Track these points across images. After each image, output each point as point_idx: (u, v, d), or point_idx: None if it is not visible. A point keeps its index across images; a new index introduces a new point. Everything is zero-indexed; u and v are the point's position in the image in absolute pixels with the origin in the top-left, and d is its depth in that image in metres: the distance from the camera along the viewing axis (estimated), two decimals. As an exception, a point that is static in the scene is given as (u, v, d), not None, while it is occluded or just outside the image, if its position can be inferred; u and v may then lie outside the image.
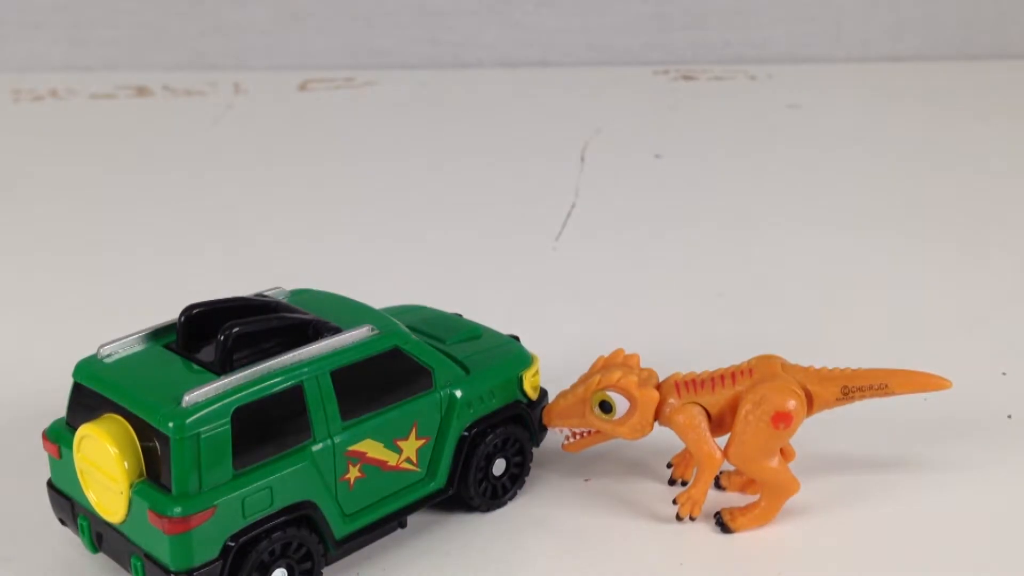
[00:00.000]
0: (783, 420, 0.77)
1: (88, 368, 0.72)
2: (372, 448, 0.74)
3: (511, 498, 0.82)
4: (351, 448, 0.72)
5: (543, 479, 0.85)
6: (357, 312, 0.78)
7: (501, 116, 1.79)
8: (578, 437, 0.82)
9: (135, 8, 2.03)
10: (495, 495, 0.81)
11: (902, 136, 1.65)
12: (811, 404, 0.79)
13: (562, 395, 0.82)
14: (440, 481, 0.78)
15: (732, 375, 0.80)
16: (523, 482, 0.83)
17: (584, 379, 0.81)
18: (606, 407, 0.80)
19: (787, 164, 1.54)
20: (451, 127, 1.74)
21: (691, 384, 0.80)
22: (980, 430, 0.90)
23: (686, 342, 1.04)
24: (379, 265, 1.23)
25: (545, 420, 0.82)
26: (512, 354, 0.83)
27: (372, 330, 0.74)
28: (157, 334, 0.75)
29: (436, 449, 0.78)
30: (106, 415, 0.70)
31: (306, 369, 0.71)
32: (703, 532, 0.79)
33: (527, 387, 0.83)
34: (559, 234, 1.31)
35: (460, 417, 0.78)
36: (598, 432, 0.82)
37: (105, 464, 0.68)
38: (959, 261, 1.22)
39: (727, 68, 1.99)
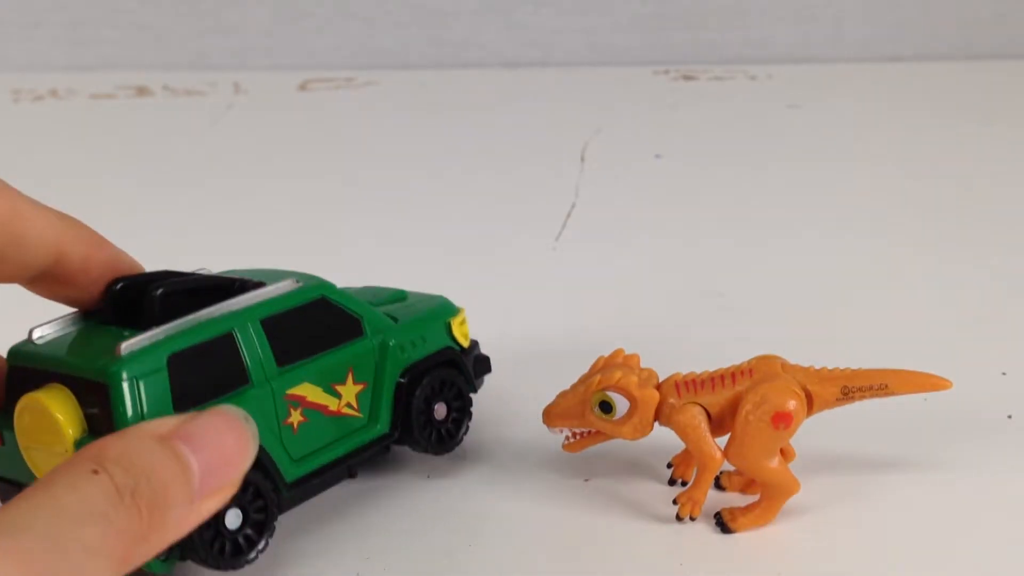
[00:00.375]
0: (783, 420, 0.76)
1: (21, 350, 0.73)
2: (311, 392, 0.76)
3: (458, 443, 0.84)
4: (290, 392, 0.74)
5: (543, 479, 0.85)
6: (281, 274, 0.80)
7: (501, 116, 1.79)
8: (578, 437, 0.82)
9: (135, 8, 2.04)
10: (441, 439, 0.83)
11: (902, 136, 1.65)
12: (811, 404, 0.79)
13: (562, 395, 0.81)
14: (384, 426, 0.80)
15: (732, 375, 0.79)
16: (467, 427, 0.85)
17: (584, 379, 0.81)
18: (606, 407, 0.80)
19: (787, 164, 1.54)
20: (451, 127, 1.75)
21: (691, 384, 0.80)
22: (980, 430, 0.90)
23: (686, 342, 1.03)
24: (379, 264, 1.23)
25: (545, 420, 0.82)
26: (438, 305, 0.87)
27: (296, 282, 0.77)
28: (88, 313, 0.76)
29: (375, 394, 0.80)
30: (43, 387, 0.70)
31: (235, 318, 0.72)
32: (703, 532, 0.79)
33: (456, 334, 0.85)
34: (559, 234, 1.31)
35: (394, 363, 0.81)
36: (598, 432, 0.82)
37: (47, 430, 0.68)
38: (959, 261, 1.22)
39: (727, 68, 1.99)
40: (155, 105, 1.87)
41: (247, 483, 0.71)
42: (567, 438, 0.83)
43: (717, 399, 0.79)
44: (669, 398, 0.80)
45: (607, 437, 0.82)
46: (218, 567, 0.69)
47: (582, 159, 1.56)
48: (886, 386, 0.80)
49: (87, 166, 1.59)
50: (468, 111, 1.82)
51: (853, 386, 0.80)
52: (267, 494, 0.72)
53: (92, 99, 1.89)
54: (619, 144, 1.64)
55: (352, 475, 0.79)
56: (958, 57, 2.01)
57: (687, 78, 1.95)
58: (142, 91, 1.93)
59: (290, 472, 0.74)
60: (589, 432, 0.82)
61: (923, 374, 0.80)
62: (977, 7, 2.01)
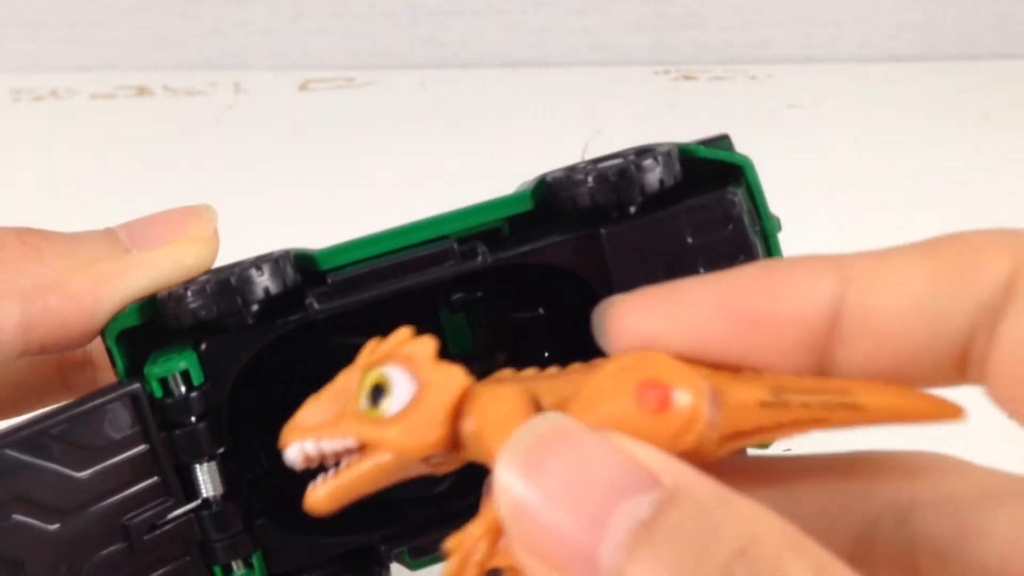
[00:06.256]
0: (653, 392, 0.46)
1: None
2: None
3: None
4: None
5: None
6: None
7: (501, 116, 1.79)
8: (331, 474, 0.49)
9: (135, 8, 2.03)
10: None
11: (902, 136, 1.65)
12: (722, 409, 0.48)
13: (314, 397, 0.51)
14: None
15: (595, 365, 0.49)
16: None
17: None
18: (377, 394, 0.48)
19: (787, 164, 1.54)
20: (451, 127, 1.74)
21: (532, 375, 0.50)
22: (980, 430, 0.89)
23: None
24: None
25: (283, 438, 0.50)
26: None
27: None
28: None
29: None
30: None
31: None
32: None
33: None
34: (559, 234, 1.31)
35: None
36: (360, 451, 0.48)
37: None
38: (959, 261, 1.22)
39: (727, 68, 1.99)
40: (155, 105, 1.87)
41: None
42: (313, 485, 0.49)
43: (561, 384, 0.48)
44: (484, 386, 0.49)
45: (374, 468, 0.47)
46: None
47: (582, 159, 1.56)
48: (855, 405, 0.47)
49: (87, 166, 1.59)
50: (468, 111, 1.82)
51: (792, 388, 0.47)
52: None
53: (92, 99, 1.89)
54: (619, 144, 1.63)
55: None
56: (958, 57, 2.01)
57: (687, 78, 1.95)
58: (142, 91, 1.93)
59: None
60: (344, 458, 0.48)
61: (919, 395, 0.49)
62: (977, 7, 2.00)
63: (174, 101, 1.88)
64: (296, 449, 0.49)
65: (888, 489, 0.50)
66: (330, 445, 0.48)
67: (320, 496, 0.48)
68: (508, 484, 0.42)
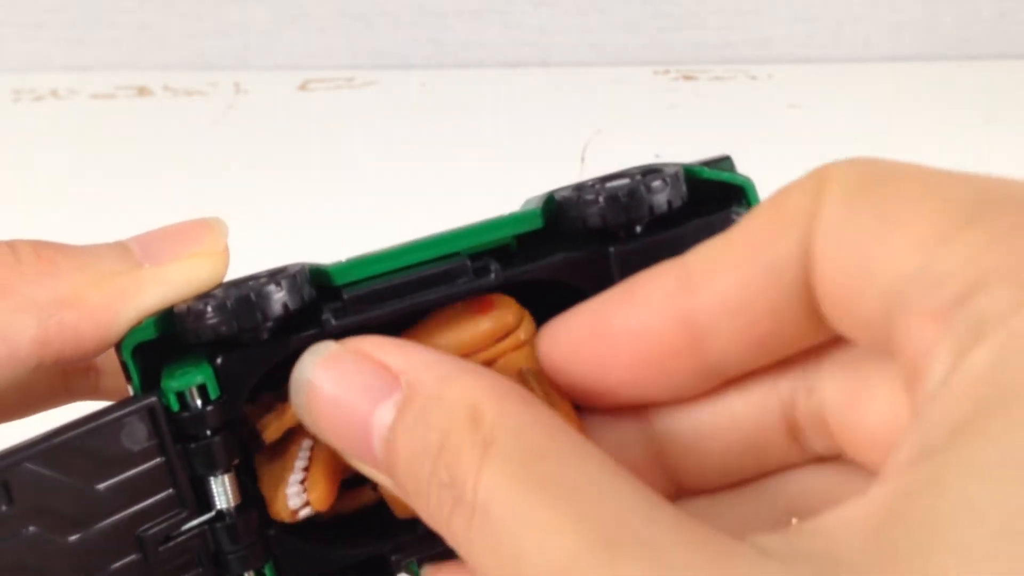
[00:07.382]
0: (485, 300, 0.59)
1: None
2: None
3: None
4: None
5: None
6: None
7: (501, 116, 1.79)
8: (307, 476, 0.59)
9: (135, 8, 2.04)
10: None
11: (902, 136, 1.65)
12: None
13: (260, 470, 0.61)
14: None
15: None
16: None
17: None
18: None
19: (787, 164, 1.54)
20: (451, 127, 1.74)
21: None
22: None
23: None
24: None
25: (275, 515, 0.61)
26: None
27: None
28: None
29: None
30: None
31: None
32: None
33: None
34: (559, 234, 1.31)
35: None
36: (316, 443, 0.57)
37: None
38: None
39: (727, 68, 1.99)
40: (155, 105, 1.87)
41: None
42: (301, 496, 0.58)
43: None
44: None
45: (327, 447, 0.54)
46: None
47: (582, 159, 1.56)
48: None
49: (87, 166, 1.59)
50: (468, 111, 1.82)
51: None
52: None
53: (92, 99, 1.89)
54: (619, 144, 1.63)
55: None
56: (958, 57, 2.01)
57: (687, 78, 1.95)
58: (142, 91, 1.93)
59: None
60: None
61: None
62: (977, 7, 2.00)
63: (174, 101, 1.88)
64: (289, 507, 0.57)
65: (797, 361, 0.52)
66: (295, 476, 0.57)
67: (316, 497, 0.56)
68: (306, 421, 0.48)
